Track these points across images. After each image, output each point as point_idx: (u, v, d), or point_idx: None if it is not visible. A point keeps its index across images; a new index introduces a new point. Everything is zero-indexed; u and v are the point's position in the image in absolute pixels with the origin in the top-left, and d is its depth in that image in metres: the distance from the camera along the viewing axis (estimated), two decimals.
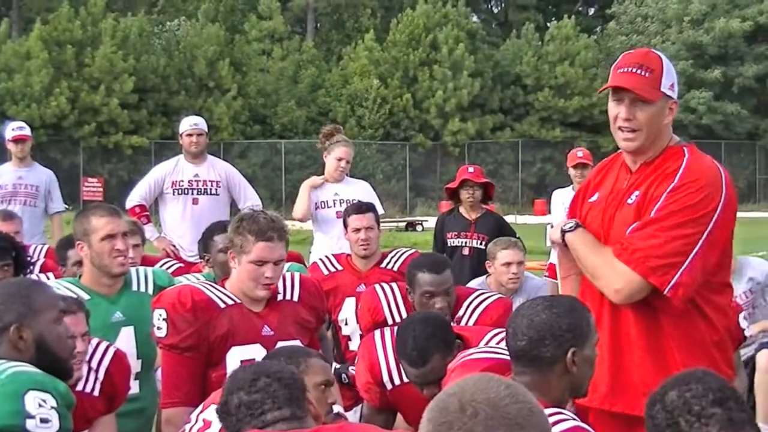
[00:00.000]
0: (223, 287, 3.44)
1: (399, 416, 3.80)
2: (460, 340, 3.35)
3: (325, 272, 4.86)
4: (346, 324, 4.82)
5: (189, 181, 6.91)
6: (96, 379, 3.28)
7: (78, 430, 2.87)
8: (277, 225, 3.36)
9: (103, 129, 31.52)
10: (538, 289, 5.50)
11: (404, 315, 4.02)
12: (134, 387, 3.68)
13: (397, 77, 34.93)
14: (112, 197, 21.84)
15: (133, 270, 3.96)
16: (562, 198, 7.33)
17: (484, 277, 5.56)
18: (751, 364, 4.92)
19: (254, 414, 2.33)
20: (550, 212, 8.35)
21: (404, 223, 27.26)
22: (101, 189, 27.48)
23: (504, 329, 2.59)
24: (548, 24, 40.54)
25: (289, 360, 2.65)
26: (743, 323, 4.37)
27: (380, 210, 5.55)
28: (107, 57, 31.20)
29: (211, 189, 6.94)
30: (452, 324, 3.66)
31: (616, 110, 2.87)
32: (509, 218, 11.39)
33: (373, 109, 34.44)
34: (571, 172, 7.25)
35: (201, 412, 2.74)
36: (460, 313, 3.94)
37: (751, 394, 4.75)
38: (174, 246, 6.80)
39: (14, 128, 7.69)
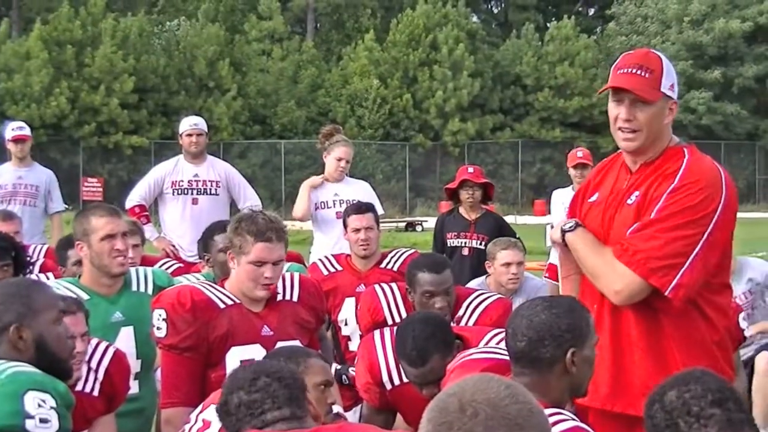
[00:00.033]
0: (223, 287, 3.44)
1: (399, 416, 3.81)
2: (460, 341, 3.35)
3: (325, 272, 4.86)
4: (345, 324, 4.82)
5: (189, 181, 6.91)
6: (95, 379, 3.28)
7: (78, 430, 2.87)
8: (276, 225, 3.36)
9: (102, 129, 31.52)
10: (538, 289, 5.50)
11: (404, 315, 4.01)
12: (134, 387, 3.67)
13: (397, 77, 34.93)
14: (112, 197, 21.85)
15: (132, 270, 3.96)
16: (562, 198, 7.33)
17: (484, 277, 5.56)
18: (750, 364, 4.92)
19: (254, 414, 2.33)
20: (549, 212, 8.35)
21: (404, 224, 27.27)
22: (101, 189, 27.47)
23: (504, 329, 2.59)
24: (548, 24, 40.54)
25: (288, 360, 2.65)
26: (743, 323, 4.37)
27: (380, 210, 5.55)
28: (107, 57, 31.21)
29: (210, 189, 6.94)
30: (452, 324, 3.66)
31: (616, 111, 2.87)
32: (509, 218, 11.40)
33: (373, 110, 34.44)
34: (571, 172, 7.25)
35: (200, 412, 2.74)
36: (460, 313, 3.95)
37: (750, 395, 4.75)
38: (173, 246, 6.79)
39: (14, 128, 7.69)
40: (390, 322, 4.07)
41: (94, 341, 3.34)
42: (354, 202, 5.50)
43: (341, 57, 37.36)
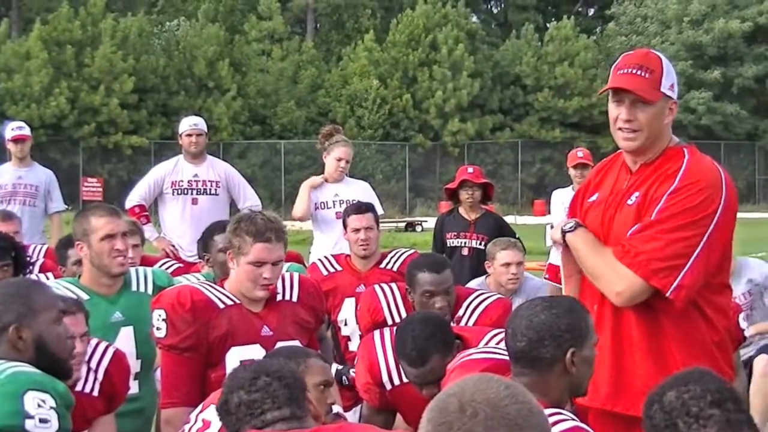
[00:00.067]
0: (222, 287, 3.44)
1: (399, 416, 3.81)
2: (460, 341, 3.35)
3: (325, 273, 4.86)
4: (345, 324, 4.82)
5: (188, 182, 6.91)
6: (95, 379, 3.28)
7: (77, 431, 2.86)
8: (275, 226, 3.35)
9: (102, 129, 31.53)
10: (538, 289, 5.49)
11: (404, 315, 4.01)
12: (134, 387, 3.67)
13: (397, 77, 34.94)
14: (112, 197, 21.85)
15: (132, 270, 3.96)
16: (561, 198, 7.33)
17: (484, 277, 5.56)
18: (750, 365, 4.92)
19: (254, 413, 2.33)
20: (549, 212, 8.35)
21: (404, 224, 27.28)
22: (101, 189, 27.47)
23: (503, 330, 2.59)
24: (548, 24, 40.55)
25: (288, 360, 2.65)
26: (743, 324, 4.37)
27: (380, 210, 5.55)
28: (107, 57, 31.22)
29: (210, 189, 6.94)
30: (452, 324, 3.66)
31: (616, 111, 2.87)
32: (509, 219, 11.39)
33: (373, 110, 34.45)
34: (571, 172, 7.25)
35: (200, 412, 2.74)
36: (460, 313, 3.95)
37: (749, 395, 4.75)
38: (173, 246, 6.80)
39: (14, 128, 7.69)
40: (390, 322, 4.07)
41: (93, 341, 3.34)
42: (354, 202, 5.50)
43: (341, 57, 37.37)
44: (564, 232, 2.98)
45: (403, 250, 5.05)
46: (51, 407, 2.30)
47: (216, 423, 2.55)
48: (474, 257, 6.32)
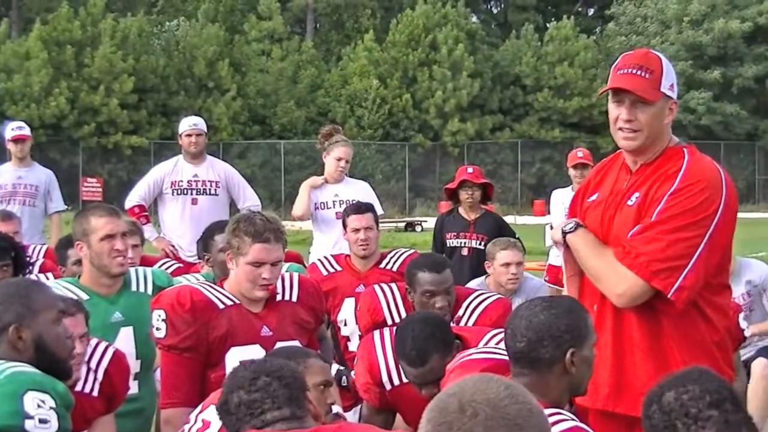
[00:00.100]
0: (222, 288, 3.44)
1: (398, 416, 3.81)
2: (459, 341, 3.35)
3: (324, 273, 4.86)
4: (345, 324, 4.82)
5: (188, 182, 6.91)
6: (95, 379, 3.28)
7: (77, 431, 2.86)
8: (274, 226, 3.35)
9: (102, 129, 31.53)
10: (537, 289, 5.49)
11: (404, 315, 4.01)
12: (133, 387, 3.67)
13: (397, 77, 34.94)
14: (112, 197, 21.85)
15: (132, 270, 3.96)
16: (561, 198, 7.33)
17: (483, 277, 5.56)
18: (748, 366, 4.92)
19: (254, 413, 2.33)
20: (549, 212, 8.35)
21: (403, 224, 27.28)
22: (100, 189, 27.46)
23: (503, 330, 2.59)
24: (547, 24, 40.54)
25: (288, 360, 2.65)
26: (743, 323, 4.37)
27: (379, 210, 5.55)
28: (107, 57, 31.21)
29: (210, 189, 6.94)
30: (451, 324, 3.66)
31: (616, 111, 2.87)
32: (508, 219, 11.39)
33: (373, 110, 34.45)
34: (571, 172, 7.25)
35: (200, 412, 2.74)
36: (460, 313, 3.95)
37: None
38: (173, 246, 6.80)
39: (14, 128, 7.69)
40: (389, 322, 4.07)
41: (93, 341, 3.33)
42: (353, 202, 5.50)
43: (341, 57, 37.37)
44: (564, 233, 2.98)
45: (403, 250, 5.05)
46: (51, 407, 2.30)
47: (216, 423, 2.55)
48: (474, 257, 6.32)
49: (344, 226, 4.95)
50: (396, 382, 3.62)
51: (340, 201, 6.18)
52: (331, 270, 4.89)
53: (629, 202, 2.88)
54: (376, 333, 3.75)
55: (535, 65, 36.36)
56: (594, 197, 3.03)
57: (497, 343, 3.10)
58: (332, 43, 39.81)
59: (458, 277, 5.05)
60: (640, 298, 2.78)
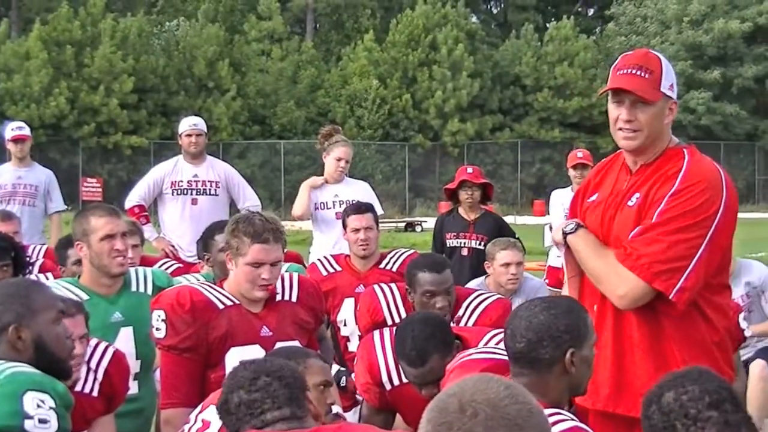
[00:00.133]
0: (221, 288, 3.44)
1: (398, 416, 3.80)
2: (459, 341, 3.35)
3: (324, 273, 4.86)
4: (345, 325, 4.82)
5: (188, 182, 6.91)
6: (95, 379, 3.28)
7: (77, 431, 2.86)
8: (273, 226, 3.35)
9: (102, 129, 31.52)
10: (537, 289, 5.49)
11: (403, 315, 4.01)
12: (133, 387, 3.67)
13: (397, 78, 34.94)
14: (112, 197, 21.86)
15: (132, 270, 3.96)
16: (560, 198, 7.33)
17: (483, 277, 5.56)
18: (746, 367, 4.93)
19: (254, 413, 2.33)
20: (549, 213, 8.34)
21: (403, 224, 27.27)
22: (100, 189, 27.46)
23: (503, 330, 2.59)
24: (547, 25, 40.54)
25: (288, 360, 2.65)
26: (743, 323, 4.37)
27: (379, 210, 5.55)
28: (106, 57, 31.21)
29: (210, 189, 6.94)
30: (451, 324, 3.66)
31: (616, 112, 2.87)
32: (508, 219, 11.39)
33: (373, 110, 34.45)
34: (571, 172, 7.25)
35: (200, 412, 2.74)
36: (460, 313, 3.95)
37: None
38: (173, 246, 6.80)
39: (14, 128, 7.69)
40: (389, 322, 4.07)
41: (93, 341, 3.33)
42: (353, 202, 5.50)
43: (340, 57, 37.37)
44: (565, 234, 2.98)
45: (403, 250, 5.05)
46: (50, 407, 2.30)
47: (216, 423, 2.55)
48: (473, 257, 6.32)
49: (344, 226, 4.95)
50: (396, 382, 3.62)
51: (340, 201, 6.18)
52: (331, 270, 4.89)
53: (629, 203, 2.88)
54: (376, 333, 3.75)
55: (535, 65, 36.36)
56: (594, 197, 3.03)
57: (497, 343, 3.10)
58: (332, 43, 39.81)
59: (458, 277, 5.05)
60: (642, 300, 2.78)
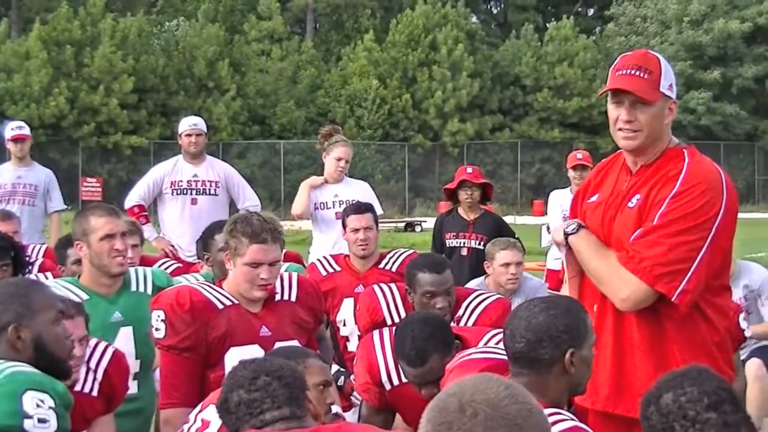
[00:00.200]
0: (221, 288, 3.44)
1: (398, 416, 3.80)
2: (459, 341, 3.35)
3: (324, 273, 4.86)
4: (344, 325, 4.82)
5: (188, 182, 6.91)
6: (94, 379, 3.28)
7: (76, 431, 2.86)
8: (271, 226, 3.35)
9: (102, 129, 31.51)
10: (537, 289, 5.49)
11: (403, 315, 4.01)
12: (133, 387, 3.67)
13: (396, 78, 34.94)
14: (111, 197, 21.86)
15: (131, 270, 3.96)
16: (559, 199, 7.33)
17: (483, 277, 5.55)
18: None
19: (253, 413, 2.33)
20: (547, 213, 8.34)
21: (403, 224, 27.28)
22: (100, 189, 27.47)
23: (503, 329, 2.59)
24: (547, 25, 40.55)
25: (287, 360, 2.65)
26: (743, 324, 4.38)
27: (379, 210, 5.55)
28: (106, 57, 31.20)
29: (209, 189, 6.94)
30: (451, 324, 3.66)
31: (616, 112, 2.87)
32: (508, 219, 11.39)
33: (372, 110, 34.45)
34: (570, 173, 7.25)
35: (200, 411, 2.74)
36: (459, 313, 3.95)
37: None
38: (173, 246, 6.80)
39: (13, 128, 7.69)
40: (389, 322, 4.07)
41: (93, 341, 3.33)
42: (353, 202, 5.50)
43: (340, 57, 37.37)
44: (567, 234, 2.98)
45: (402, 250, 5.05)
46: (50, 407, 2.30)
47: (215, 423, 2.55)
48: (473, 257, 6.32)
49: (344, 226, 4.95)
50: (395, 382, 3.62)
51: (339, 201, 6.18)
52: (331, 270, 4.89)
53: (630, 204, 2.87)
54: (376, 333, 3.75)
55: (534, 65, 36.37)
56: (594, 198, 3.03)
57: (497, 343, 3.10)
58: (332, 43, 39.81)
59: (458, 277, 5.05)
60: (644, 303, 2.78)
